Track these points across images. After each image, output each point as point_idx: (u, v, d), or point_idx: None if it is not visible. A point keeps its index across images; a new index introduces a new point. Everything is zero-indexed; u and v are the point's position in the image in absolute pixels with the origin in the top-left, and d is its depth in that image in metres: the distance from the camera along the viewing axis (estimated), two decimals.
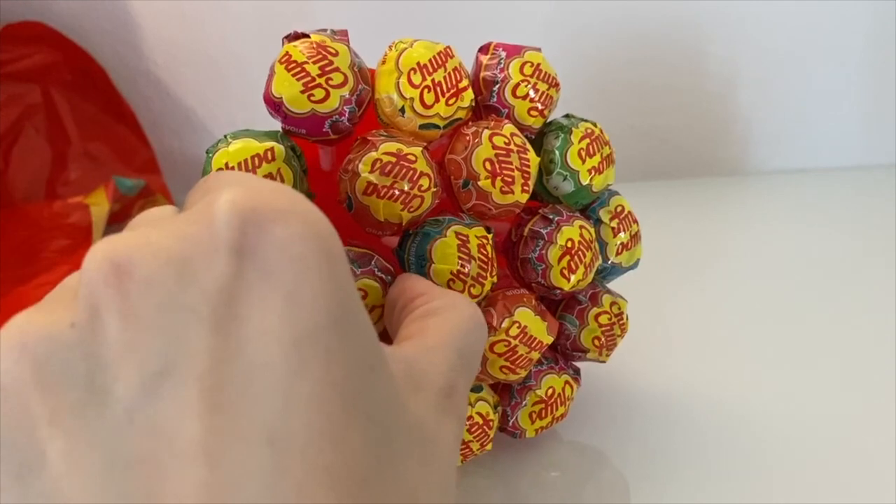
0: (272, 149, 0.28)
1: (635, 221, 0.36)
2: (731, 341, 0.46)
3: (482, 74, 0.33)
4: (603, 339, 0.35)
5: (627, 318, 0.36)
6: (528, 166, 0.31)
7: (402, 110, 0.30)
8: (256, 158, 0.27)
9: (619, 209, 0.36)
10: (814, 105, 0.69)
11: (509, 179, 0.30)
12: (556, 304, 0.35)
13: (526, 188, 0.31)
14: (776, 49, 0.66)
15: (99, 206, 0.56)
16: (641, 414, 0.39)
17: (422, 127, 0.30)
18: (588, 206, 0.35)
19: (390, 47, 0.31)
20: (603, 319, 0.35)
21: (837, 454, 0.36)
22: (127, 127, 0.66)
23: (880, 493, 0.33)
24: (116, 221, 0.62)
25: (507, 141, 0.31)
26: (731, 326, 0.48)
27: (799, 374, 0.42)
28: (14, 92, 0.63)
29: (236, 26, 0.64)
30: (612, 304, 0.35)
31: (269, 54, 0.66)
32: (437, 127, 0.31)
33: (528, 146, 0.31)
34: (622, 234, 0.35)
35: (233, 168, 0.27)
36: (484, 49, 0.34)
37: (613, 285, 0.38)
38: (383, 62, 0.31)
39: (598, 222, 0.35)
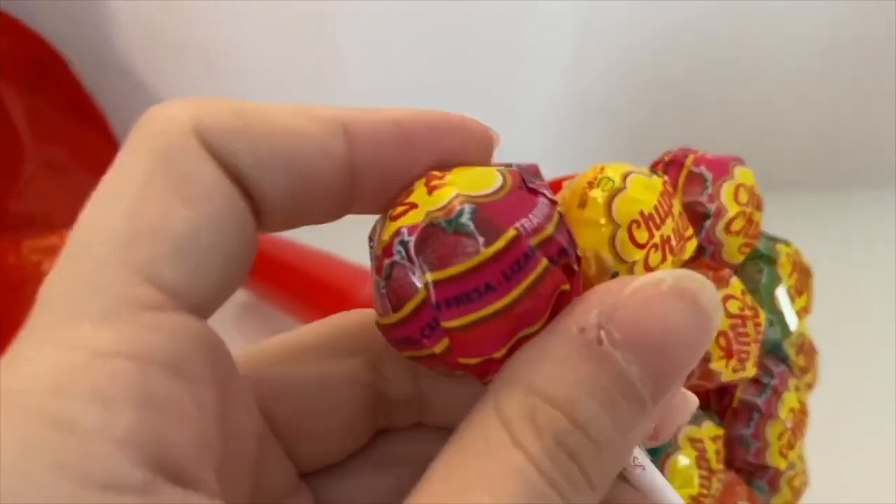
0: None
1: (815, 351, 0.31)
2: None
3: (682, 200, 0.26)
4: None
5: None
6: (760, 332, 0.25)
7: (615, 274, 0.23)
8: None
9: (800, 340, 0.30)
10: None
11: (744, 356, 0.24)
12: None
13: (757, 361, 0.25)
14: None
15: None
16: None
17: None
18: None
19: (591, 183, 0.23)
20: (797, 482, 0.29)
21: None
22: (93, 128, 0.57)
23: None
24: None
25: (741, 305, 0.24)
26: None
27: None
28: None
29: (230, 7, 0.53)
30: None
31: (269, 41, 0.58)
32: None
33: (757, 305, 0.25)
34: (808, 375, 0.30)
35: None
36: (675, 163, 0.26)
37: None
38: (582, 203, 0.23)
39: (783, 361, 0.29)
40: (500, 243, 0.13)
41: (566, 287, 0.14)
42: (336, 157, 0.14)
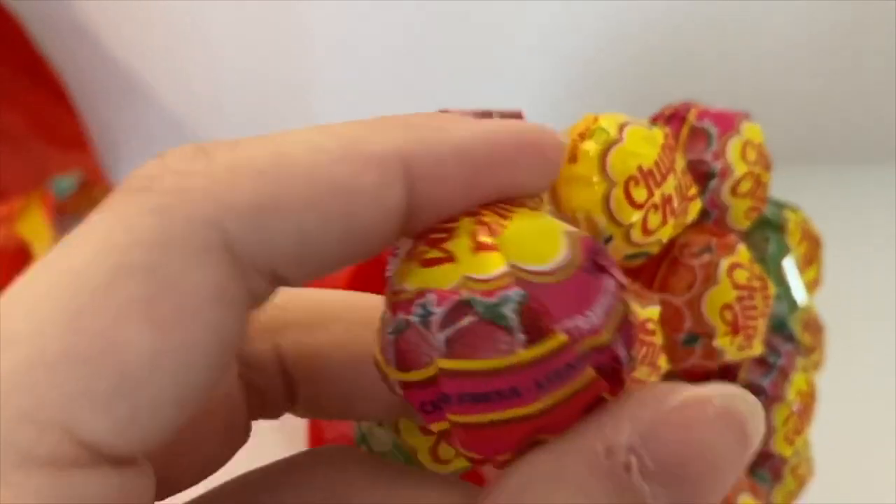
0: None
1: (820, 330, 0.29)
2: None
3: (685, 158, 0.23)
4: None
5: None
6: (769, 306, 0.22)
7: (609, 239, 0.20)
8: None
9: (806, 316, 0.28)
10: None
11: (751, 332, 0.22)
12: None
13: (763, 338, 0.23)
14: None
15: (35, 233, 0.44)
16: None
17: (627, 257, 0.21)
18: None
19: (583, 135, 0.21)
20: (802, 471, 0.27)
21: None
22: (48, 92, 0.54)
23: None
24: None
25: (749, 276, 0.22)
26: None
27: None
28: None
29: None
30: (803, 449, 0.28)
31: (243, 3, 0.55)
32: (646, 255, 0.21)
33: (765, 276, 0.23)
34: (815, 354, 0.28)
35: None
36: (676, 117, 0.24)
37: None
38: (573, 158, 0.21)
39: (789, 339, 0.27)
40: (542, 347, 0.11)
41: (607, 396, 0.11)
42: (392, 207, 0.11)
